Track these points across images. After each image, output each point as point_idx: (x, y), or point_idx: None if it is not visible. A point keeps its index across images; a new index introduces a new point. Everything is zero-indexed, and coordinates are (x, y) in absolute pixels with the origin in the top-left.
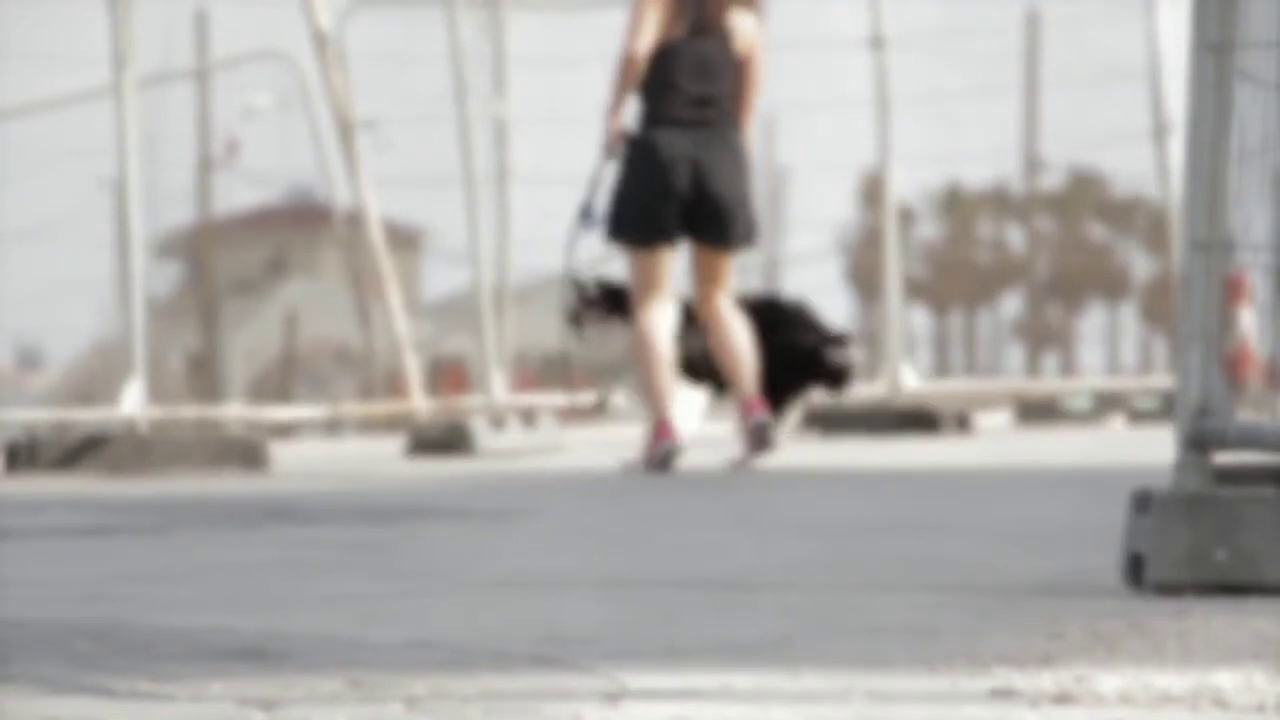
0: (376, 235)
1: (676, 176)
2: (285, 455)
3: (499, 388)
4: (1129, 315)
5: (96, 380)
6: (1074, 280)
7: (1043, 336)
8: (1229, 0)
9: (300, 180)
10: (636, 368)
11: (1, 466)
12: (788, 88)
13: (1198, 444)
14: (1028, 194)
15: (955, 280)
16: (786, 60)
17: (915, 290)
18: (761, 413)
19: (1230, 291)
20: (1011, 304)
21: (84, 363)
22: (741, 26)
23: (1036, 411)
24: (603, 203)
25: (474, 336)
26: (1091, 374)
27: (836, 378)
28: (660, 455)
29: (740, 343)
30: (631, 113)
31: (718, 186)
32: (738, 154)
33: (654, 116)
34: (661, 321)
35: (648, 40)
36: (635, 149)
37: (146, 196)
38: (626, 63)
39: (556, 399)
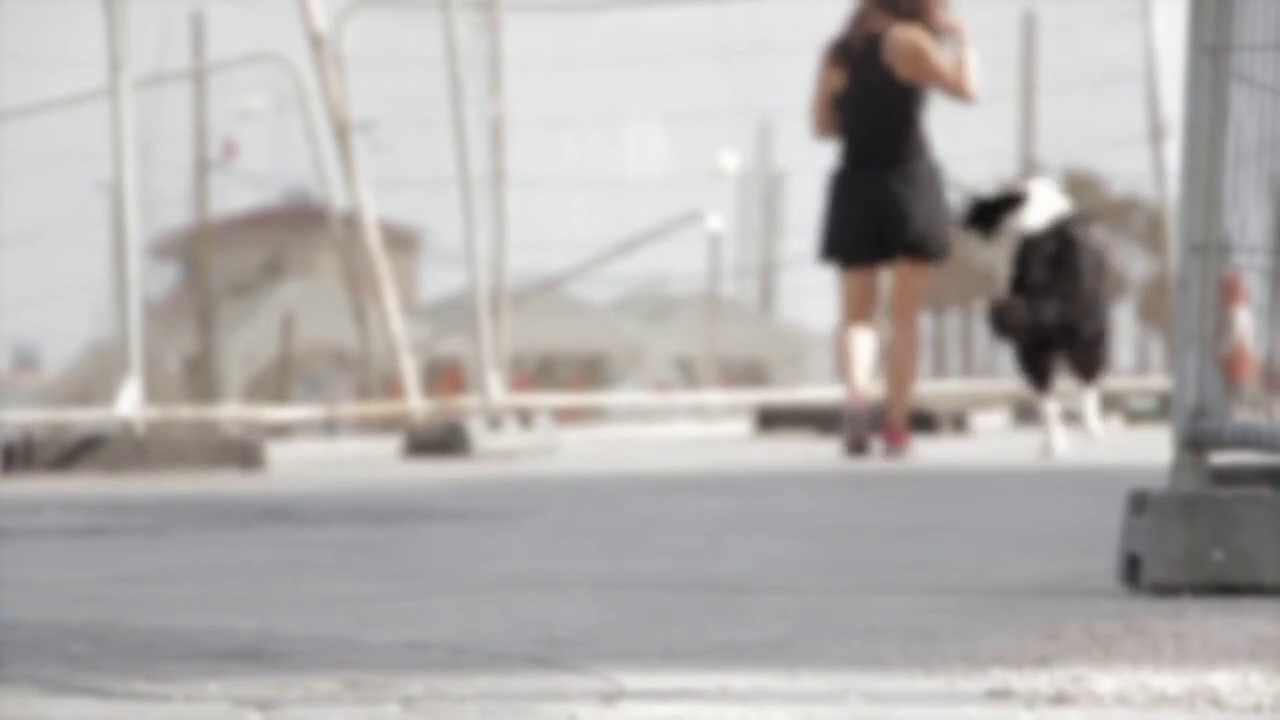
0: (373, 237)
1: (852, 207)
2: (282, 456)
3: (495, 389)
4: (1125, 316)
5: (93, 381)
6: None
7: None
8: (1225, 2)
9: (296, 182)
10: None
11: None
12: (785, 90)
13: (1194, 445)
14: None
15: (952, 281)
16: (784, 62)
17: None
18: (900, 445)
19: (1226, 293)
20: None
21: (81, 364)
22: (899, 48)
23: (1033, 412)
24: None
25: (470, 338)
26: None
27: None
28: (848, 443)
29: (902, 369)
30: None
31: (881, 212)
32: (905, 178)
33: (839, 157)
34: (853, 342)
35: (817, 118)
36: (826, 184)
37: (143, 198)
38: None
39: (555, 398)
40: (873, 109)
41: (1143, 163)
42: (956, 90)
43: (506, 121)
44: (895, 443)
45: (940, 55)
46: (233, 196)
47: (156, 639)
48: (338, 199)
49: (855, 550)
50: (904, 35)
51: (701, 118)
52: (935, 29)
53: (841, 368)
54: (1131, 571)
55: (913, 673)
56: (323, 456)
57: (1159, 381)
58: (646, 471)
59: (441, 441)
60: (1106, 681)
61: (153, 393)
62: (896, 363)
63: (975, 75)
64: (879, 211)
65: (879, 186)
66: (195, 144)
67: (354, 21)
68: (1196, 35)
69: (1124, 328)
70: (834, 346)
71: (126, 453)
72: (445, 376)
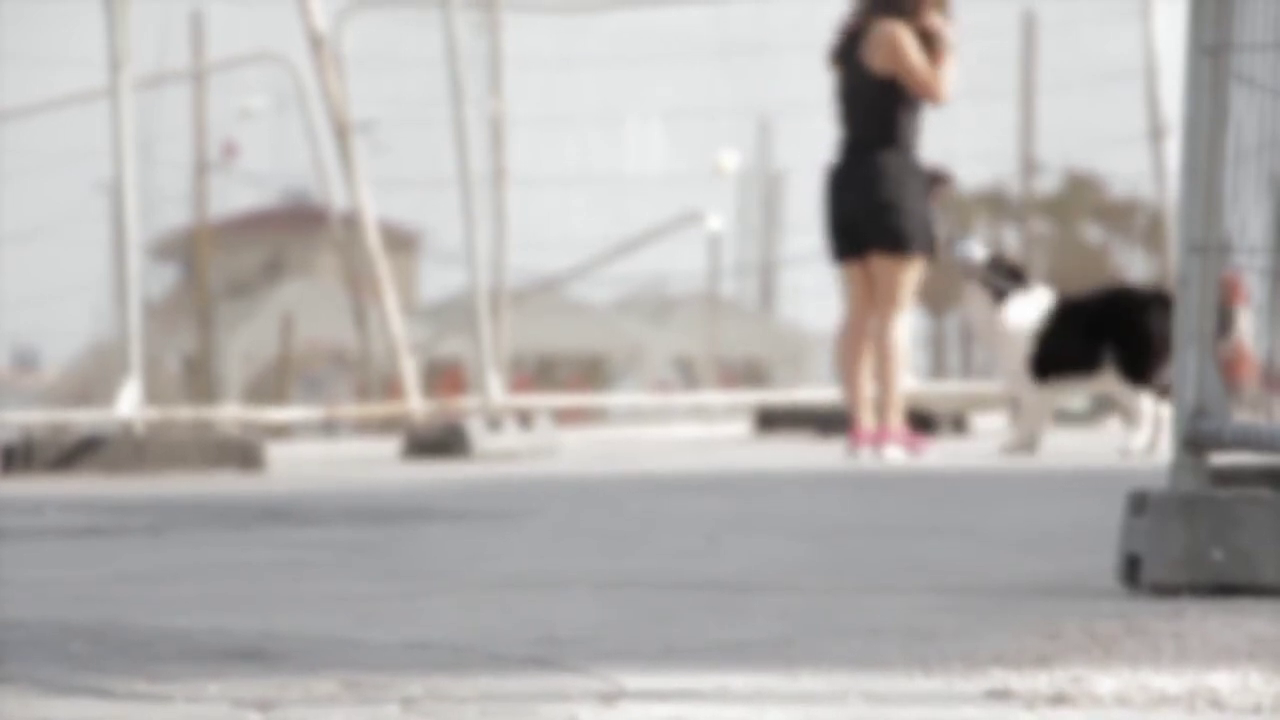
0: (373, 237)
1: (829, 202)
2: (281, 456)
3: (495, 389)
4: None
5: (93, 381)
6: (1071, 282)
7: None
8: (1225, 2)
9: (296, 182)
10: None
11: None
12: (785, 88)
13: (1194, 445)
14: (1024, 196)
15: (951, 282)
16: (784, 61)
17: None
18: (892, 445)
19: (1226, 293)
20: None
21: (81, 364)
22: (877, 42)
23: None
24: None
25: (470, 338)
26: None
27: None
28: (849, 451)
29: (879, 370)
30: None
31: (850, 205)
32: (873, 170)
33: (832, 151)
34: (843, 336)
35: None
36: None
37: (142, 198)
38: None
39: (553, 400)
40: (854, 101)
41: (1143, 162)
42: (925, 88)
43: (506, 121)
44: (885, 442)
45: (916, 52)
46: (232, 196)
47: (156, 639)
48: (338, 199)
49: (855, 550)
50: (883, 29)
51: (701, 117)
52: (924, 29)
53: (844, 382)
54: (1131, 572)
55: (912, 673)
56: (322, 457)
57: None
58: (646, 472)
59: (441, 442)
60: (1106, 682)
61: (152, 393)
62: (876, 363)
63: (948, 78)
64: (852, 204)
65: (852, 179)
66: (195, 144)
67: (354, 21)
68: (1196, 35)
69: None
70: (836, 348)
71: (126, 453)
72: (445, 377)
